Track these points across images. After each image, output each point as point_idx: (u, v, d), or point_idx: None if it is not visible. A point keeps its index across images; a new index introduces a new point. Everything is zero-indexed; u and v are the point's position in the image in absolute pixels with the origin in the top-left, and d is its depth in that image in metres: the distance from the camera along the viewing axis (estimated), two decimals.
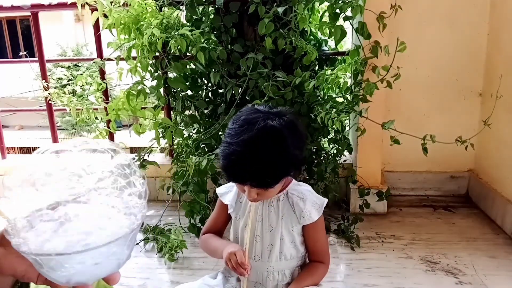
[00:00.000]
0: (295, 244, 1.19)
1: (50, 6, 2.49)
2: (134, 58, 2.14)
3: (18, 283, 0.64)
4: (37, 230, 0.51)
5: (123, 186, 0.56)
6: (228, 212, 1.25)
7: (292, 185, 1.20)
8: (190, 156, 2.03)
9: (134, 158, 2.22)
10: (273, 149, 1.01)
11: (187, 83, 2.24)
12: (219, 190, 1.28)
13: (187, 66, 2.18)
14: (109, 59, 2.35)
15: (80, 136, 9.25)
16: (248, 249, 1.11)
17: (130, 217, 0.54)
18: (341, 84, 2.17)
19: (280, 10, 1.90)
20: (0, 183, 0.53)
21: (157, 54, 2.10)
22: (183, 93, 2.25)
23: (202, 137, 2.15)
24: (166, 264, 1.92)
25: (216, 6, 2.07)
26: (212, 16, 2.21)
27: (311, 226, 1.18)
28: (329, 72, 2.12)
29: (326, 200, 1.20)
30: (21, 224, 0.51)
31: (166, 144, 2.52)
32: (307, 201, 1.17)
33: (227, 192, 1.26)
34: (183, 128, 2.31)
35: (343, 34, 1.96)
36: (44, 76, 2.57)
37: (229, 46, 2.13)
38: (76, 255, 0.49)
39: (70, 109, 2.27)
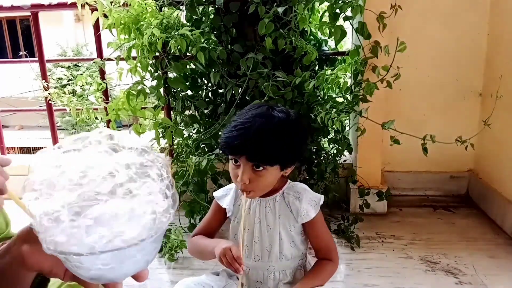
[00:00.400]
0: (295, 244, 1.19)
1: (50, 6, 2.49)
2: (134, 58, 2.14)
3: (39, 276, 0.65)
4: (65, 228, 0.50)
5: (150, 182, 0.55)
6: (227, 216, 1.25)
7: (287, 185, 1.21)
8: (190, 156, 2.03)
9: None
10: (278, 125, 1.06)
11: (187, 83, 2.24)
12: (216, 194, 1.28)
13: (187, 66, 2.18)
14: (109, 59, 2.35)
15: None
16: (243, 245, 1.10)
17: (159, 214, 0.53)
18: (341, 84, 2.17)
19: (280, 10, 1.90)
20: (24, 182, 0.52)
21: (157, 54, 2.10)
22: (183, 93, 2.25)
23: (202, 137, 2.15)
24: (166, 264, 1.92)
25: (216, 6, 2.07)
26: (212, 16, 2.21)
27: (310, 223, 1.18)
28: (329, 72, 2.12)
29: (322, 197, 1.20)
30: (48, 222, 0.51)
31: (166, 144, 2.52)
32: (303, 199, 1.17)
33: (225, 195, 1.26)
34: (183, 128, 2.31)
35: (343, 34, 1.96)
36: (44, 76, 2.57)
37: (229, 46, 2.13)
38: (107, 254, 0.49)
39: (70, 109, 2.27)
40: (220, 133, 2.11)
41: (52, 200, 0.51)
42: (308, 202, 1.17)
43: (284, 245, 1.18)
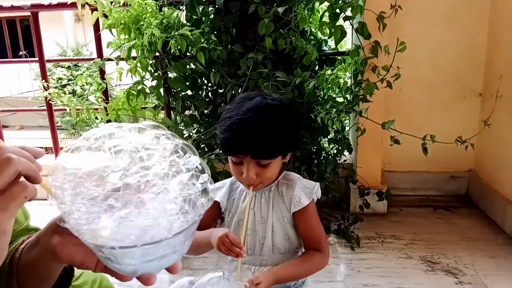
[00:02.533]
0: (289, 237, 1.17)
1: (50, 6, 2.49)
2: (134, 58, 2.14)
3: (63, 270, 0.65)
4: (101, 221, 0.51)
5: (180, 172, 0.55)
6: (222, 211, 1.23)
7: (282, 175, 1.20)
8: None
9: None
10: (275, 117, 1.04)
11: (187, 83, 2.23)
12: (210, 187, 1.26)
13: (187, 66, 2.18)
14: (109, 59, 2.35)
15: (80, 136, 9.24)
16: (245, 234, 1.07)
17: (194, 207, 0.54)
18: (341, 84, 2.17)
19: (280, 10, 1.90)
20: (52, 174, 0.52)
21: (157, 54, 2.10)
22: (183, 93, 2.25)
23: (202, 137, 2.15)
24: None
25: (216, 6, 2.07)
26: (212, 16, 2.21)
27: (302, 212, 1.14)
28: (329, 72, 2.12)
29: (317, 184, 1.17)
30: (82, 214, 0.50)
31: None
32: (296, 186, 1.15)
33: (218, 188, 1.24)
34: (183, 128, 2.31)
35: (343, 34, 1.96)
36: (44, 76, 2.57)
37: (229, 46, 2.13)
38: (146, 247, 0.48)
39: (70, 109, 2.27)
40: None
41: (85, 192, 0.51)
42: (301, 189, 1.15)
43: (276, 237, 1.15)
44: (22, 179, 0.47)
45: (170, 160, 0.55)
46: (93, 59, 2.44)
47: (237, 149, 1.05)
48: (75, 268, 0.66)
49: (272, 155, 1.05)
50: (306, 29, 2.22)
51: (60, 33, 10.51)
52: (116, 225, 0.50)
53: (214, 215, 1.26)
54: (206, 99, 2.30)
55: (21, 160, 0.46)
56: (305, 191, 1.15)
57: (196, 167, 0.56)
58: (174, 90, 2.26)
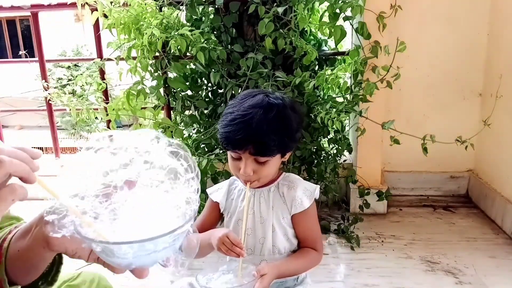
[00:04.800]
0: (288, 237, 1.17)
1: (50, 6, 2.49)
2: (134, 58, 2.14)
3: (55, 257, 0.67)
4: (98, 217, 0.52)
5: (176, 172, 0.57)
6: (221, 212, 1.23)
7: (282, 176, 1.20)
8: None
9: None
10: (277, 115, 1.05)
11: (187, 83, 2.24)
12: (209, 190, 1.27)
13: (187, 66, 2.18)
14: (109, 59, 2.35)
15: (80, 136, 9.25)
16: (245, 234, 1.08)
17: (188, 205, 0.55)
18: (341, 84, 2.17)
19: (280, 10, 1.90)
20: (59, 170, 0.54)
21: (157, 54, 2.10)
22: (183, 93, 2.25)
23: (202, 137, 2.15)
24: None
25: (216, 6, 2.07)
26: (212, 16, 2.21)
27: (302, 214, 1.15)
28: (329, 72, 2.12)
29: (317, 187, 1.18)
30: (79, 210, 0.52)
31: None
32: (298, 188, 1.16)
33: (217, 189, 1.25)
34: (183, 128, 2.31)
35: (343, 34, 1.96)
36: (44, 76, 2.58)
37: (229, 46, 2.14)
38: (137, 244, 0.50)
39: (70, 109, 2.27)
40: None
41: (81, 188, 0.53)
42: (303, 191, 1.16)
43: (277, 238, 1.15)
44: (14, 180, 0.48)
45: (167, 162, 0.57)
46: (93, 59, 2.44)
47: (236, 145, 1.06)
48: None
49: (270, 153, 1.06)
50: (306, 29, 2.23)
51: (60, 33, 10.51)
52: (112, 221, 0.52)
53: (216, 217, 1.26)
54: (206, 99, 2.30)
55: (13, 162, 0.47)
56: (306, 194, 1.16)
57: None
58: (174, 90, 2.26)
